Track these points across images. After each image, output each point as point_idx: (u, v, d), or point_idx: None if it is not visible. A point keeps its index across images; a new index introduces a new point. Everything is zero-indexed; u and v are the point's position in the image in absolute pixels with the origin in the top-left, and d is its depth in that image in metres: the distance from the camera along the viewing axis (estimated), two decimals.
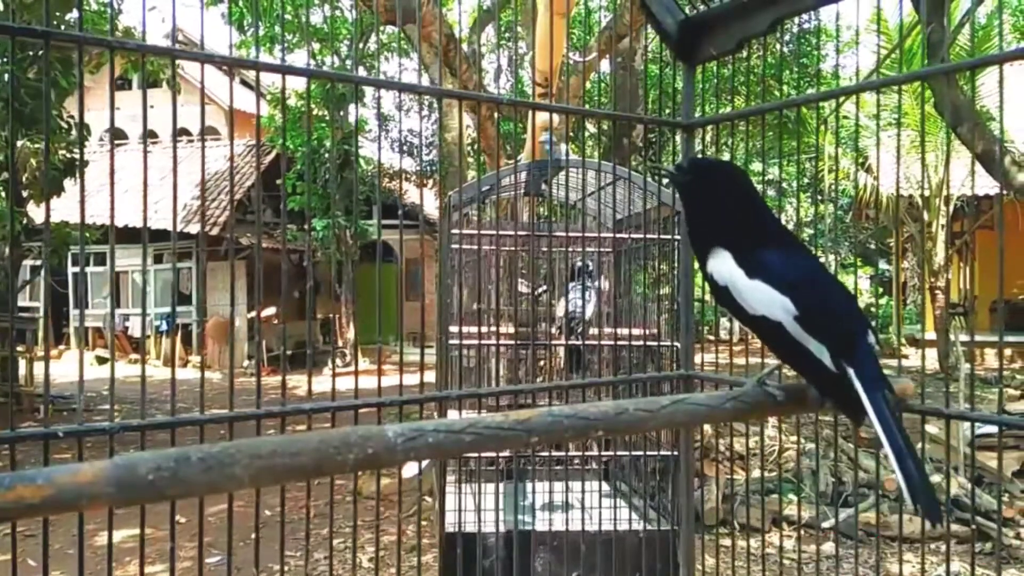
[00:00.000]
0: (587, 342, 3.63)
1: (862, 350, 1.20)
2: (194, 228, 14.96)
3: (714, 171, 1.44)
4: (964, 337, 9.74)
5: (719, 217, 1.35)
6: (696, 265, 2.44)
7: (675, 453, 3.15)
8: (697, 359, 2.36)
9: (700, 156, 1.47)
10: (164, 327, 15.73)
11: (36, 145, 8.91)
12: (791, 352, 1.21)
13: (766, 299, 1.21)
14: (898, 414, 1.18)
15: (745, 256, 1.28)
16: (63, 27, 8.08)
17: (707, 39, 2.11)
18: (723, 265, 1.30)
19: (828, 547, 4.87)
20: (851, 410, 1.18)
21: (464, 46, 7.96)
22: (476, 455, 3.27)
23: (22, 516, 0.87)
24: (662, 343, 3.47)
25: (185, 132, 18.10)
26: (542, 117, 3.94)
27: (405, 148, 15.30)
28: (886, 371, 1.25)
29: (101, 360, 15.46)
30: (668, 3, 2.17)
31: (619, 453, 3.98)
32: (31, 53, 8.38)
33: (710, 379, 2.19)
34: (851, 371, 1.17)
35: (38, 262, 12.15)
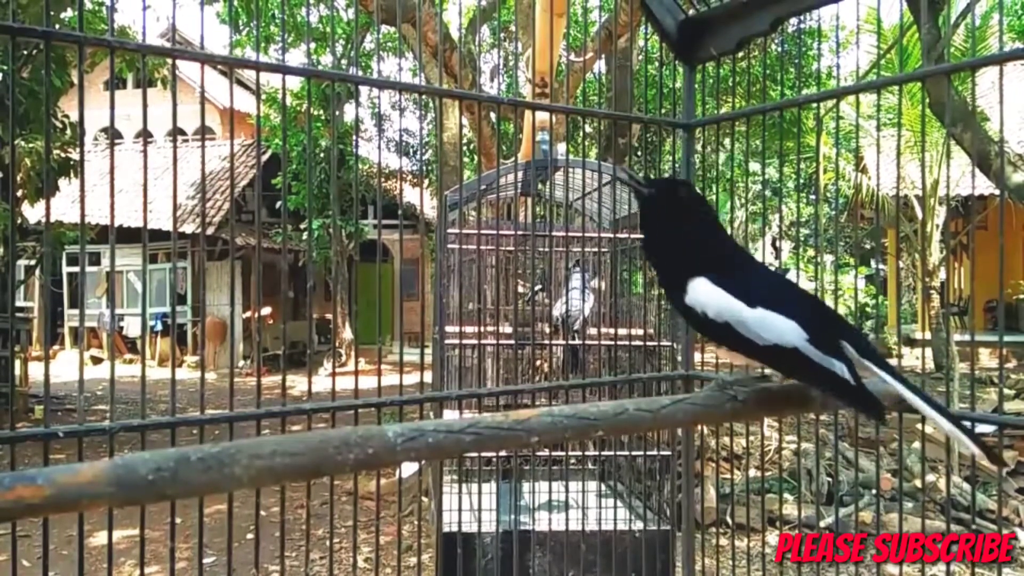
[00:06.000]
0: (585, 342, 3.63)
1: (865, 349, 1.22)
2: (188, 228, 14.94)
3: (682, 189, 1.38)
4: (958, 337, 9.76)
5: (693, 241, 1.30)
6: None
7: (671, 452, 3.15)
8: (696, 358, 2.36)
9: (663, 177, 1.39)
10: (159, 327, 15.72)
11: (30, 145, 8.88)
12: (806, 372, 1.20)
13: (776, 327, 1.20)
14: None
15: (734, 285, 1.24)
16: (57, 26, 8.05)
17: (707, 39, 2.11)
18: (715, 298, 1.24)
19: None
20: (872, 410, 1.19)
21: (461, 46, 7.95)
22: (473, 455, 3.26)
23: (22, 516, 0.86)
24: (658, 343, 3.47)
25: (180, 132, 18.08)
26: (540, 117, 3.93)
27: (400, 147, 15.30)
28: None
29: (96, 360, 15.42)
30: (668, 3, 2.16)
31: (616, 453, 3.99)
32: (25, 52, 8.35)
33: (710, 379, 2.19)
34: (877, 368, 1.20)
35: (31, 262, 12.11)
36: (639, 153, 10.73)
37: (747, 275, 1.28)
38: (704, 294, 1.25)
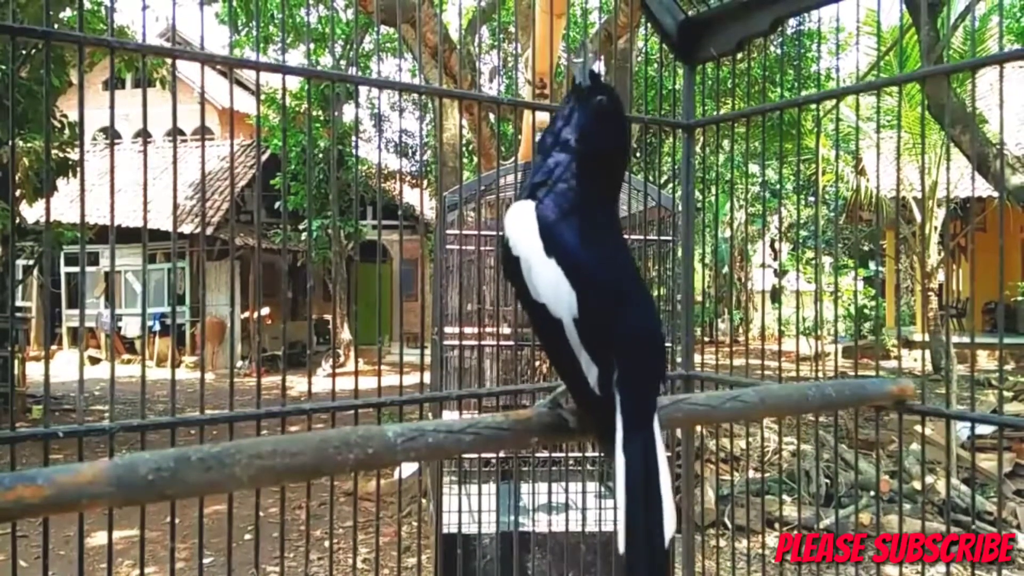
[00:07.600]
0: None
1: (640, 375, 1.02)
2: (187, 228, 14.93)
3: (604, 102, 1.13)
4: (956, 339, 9.77)
5: (556, 163, 1.11)
6: (696, 264, 2.44)
7: (670, 454, 3.14)
8: (696, 359, 2.36)
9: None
10: (157, 327, 15.71)
11: (28, 144, 8.87)
12: (562, 358, 1.03)
13: (553, 288, 1.01)
14: (652, 459, 0.97)
15: (551, 222, 1.06)
16: (56, 26, 8.04)
17: (707, 39, 2.11)
18: (524, 231, 1.06)
19: None
20: (607, 442, 1.00)
21: (460, 47, 7.96)
22: (472, 455, 3.26)
23: (22, 516, 0.86)
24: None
25: (179, 132, 18.08)
26: (539, 117, 3.93)
27: (400, 148, 15.31)
28: (883, 373, 1.22)
29: (94, 360, 15.41)
30: (668, 3, 2.17)
31: None
32: (23, 52, 8.35)
33: (710, 379, 2.19)
34: (618, 400, 0.99)
35: (30, 262, 12.10)
36: (638, 154, 10.72)
37: (577, 221, 1.07)
38: (517, 222, 1.08)
